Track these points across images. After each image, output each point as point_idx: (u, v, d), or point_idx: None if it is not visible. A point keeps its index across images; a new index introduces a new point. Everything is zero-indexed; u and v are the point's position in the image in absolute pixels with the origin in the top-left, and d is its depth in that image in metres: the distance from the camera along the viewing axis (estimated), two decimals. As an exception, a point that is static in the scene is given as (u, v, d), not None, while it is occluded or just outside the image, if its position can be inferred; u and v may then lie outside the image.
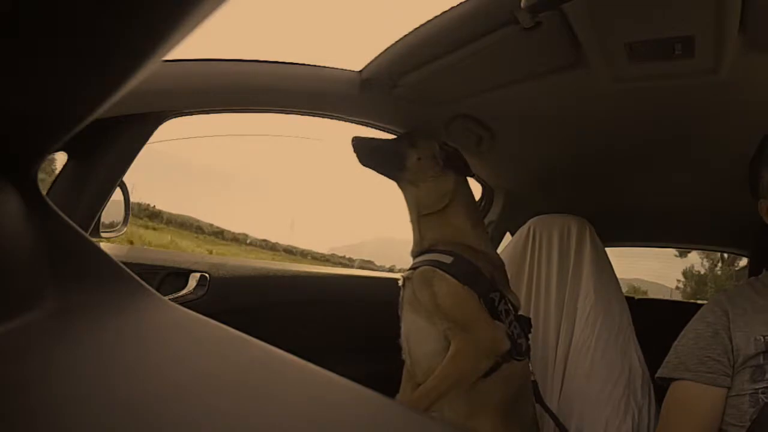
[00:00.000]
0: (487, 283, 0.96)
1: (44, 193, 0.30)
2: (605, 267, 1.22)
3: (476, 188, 1.52)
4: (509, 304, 0.99)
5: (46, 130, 0.26)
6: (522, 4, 0.76)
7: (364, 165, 1.05)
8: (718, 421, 0.86)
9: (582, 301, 1.17)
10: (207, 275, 1.09)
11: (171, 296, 1.04)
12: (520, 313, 1.03)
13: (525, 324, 1.01)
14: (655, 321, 1.29)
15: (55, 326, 0.25)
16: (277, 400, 0.23)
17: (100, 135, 0.86)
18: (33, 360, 0.23)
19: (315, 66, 1.05)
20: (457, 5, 0.86)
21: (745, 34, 0.80)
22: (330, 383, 0.25)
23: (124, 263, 0.32)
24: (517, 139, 1.30)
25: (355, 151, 1.04)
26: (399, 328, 1.03)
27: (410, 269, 1.02)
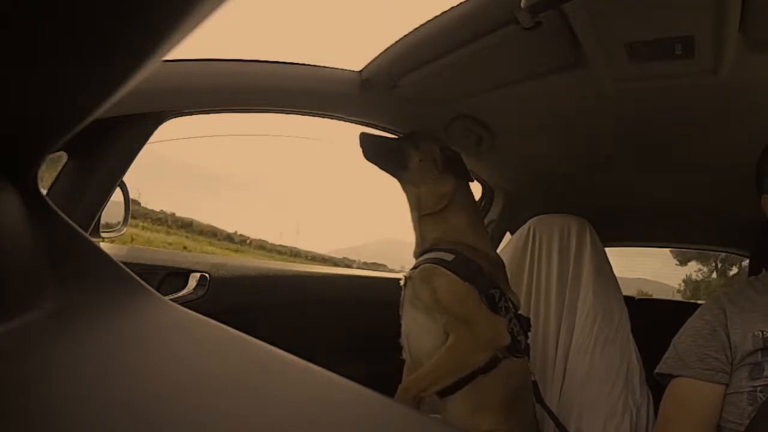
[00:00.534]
0: (487, 281, 0.98)
1: (44, 193, 0.30)
2: (605, 267, 1.22)
3: (476, 188, 1.52)
4: (509, 302, 1.00)
5: (46, 130, 0.26)
6: (522, 4, 0.76)
7: (368, 160, 1.07)
8: (716, 418, 0.86)
9: (582, 301, 1.17)
10: (207, 275, 1.09)
11: (171, 296, 1.04)
12: (519, 312, 1.04)
13: (524, 323, 1.02)
14: (654, 321, 1.29)
15: (55, 326, 0.25)
16: (277, 400, 0.23)
17: (100, 135, 0.86)
18: (33, 360, 0.23)
19: (315, 66, 1.05)
20: (457, 5, 0.86)
21: (745, 34, 0.80)
22: (330, 383, 0.25)
23: (124, 263, 0.32)
24: (517, 139, 1.30)
25: (361, 145, 1.07)
26: (399, 327, 1.03)
27: (412, 269, 1.03)
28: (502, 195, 1.57)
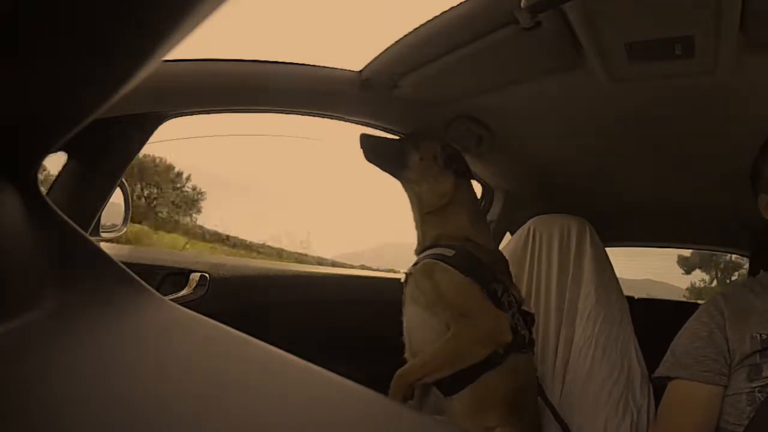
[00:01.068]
0: (488, 275, 0.98)
1: (44, 193, 0.30)
2: (605, 267, 1.22)
3: (476, 188, 1.52)
4: (512, 297, 1.00)
5: (46, 130, 0.26)
6: (522, 4, 0.76)
7: (368, 161, 1.08)
8: (715, 420, 0.86)
9: (582, 301, 1.17)
10: (207, 275, 1.09)
11: (171, 296, 1.04)
12: (523, 308, 1.04)
13: (529, 318, 1.02)
14: (655, 321, 1.29)
15: (55, 326, 0.25)
16: (277, 400, 0.23)
17: (100, 135, 0.86)
18: (33, 360, 0.23)
19: (315, 66, 1.05)
20: (457, 5, 0.86)
21: (745, 34, 0.80)
22: (330, 383, 0.25)
23: (124, 263, 0.32)
24: (517, 140, 1.30)
25: (361, 146, 1.08)
26: (400, 327, 1.03)
27: (413, 265, 1.03)
28: (502, 195, 1.57)
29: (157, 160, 9.10)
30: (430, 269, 0.98)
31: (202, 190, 9.56)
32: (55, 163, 0.88)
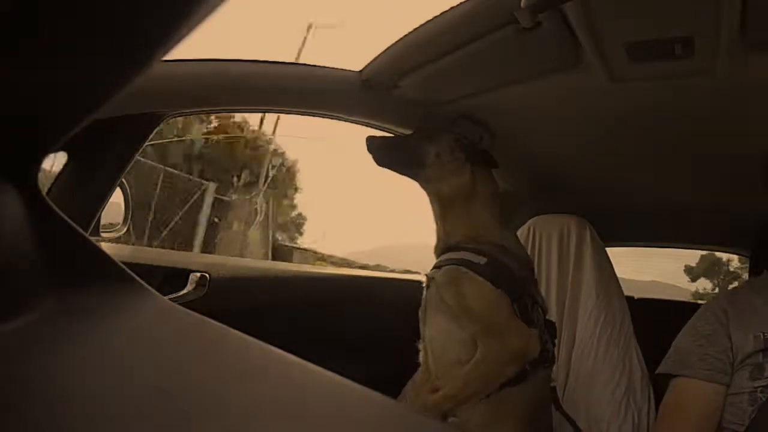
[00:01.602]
0: (520, 287, 0.92)
1: (44, 193, 0.29)
2: (606, 267, 1.22)
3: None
4: (540, 310, 0.95)
5: (46, 130, 0.26)
6: (522, 4, 0.76)
7: (380, 165, 1.01)
8: (717, 418, 0.87)
9: (583, 302, 1.17)
10: (207, 275, 1.09)
11: (171, 296, 1.04)
12: (548, 317, 0.99)
13: (552, 329, 0.98)
14: (655, 321, 1.29)
15: (55, 326, 0.25)
16: (277, 400, 0.23)
17: (100, 135, 0.86)
18: (33, 360, 0.23)
19: (315, 66, 1.05)
20: (457, 5, 0.86)
21: (745, 34, 0.80)
22: (330, 383, 0.25)
23: (124, 263, 0.32)
24: (517, 139, 1.30)
25: (370, 151, 1.01)
26: (401, 328, 1.02)
27: (434, 268, 0.97)
28: (502, 195, 1.57)
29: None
30: (455, 277, 0.92)
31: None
32: (55, 163, 0.88)
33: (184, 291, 1.07)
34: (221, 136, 7.67)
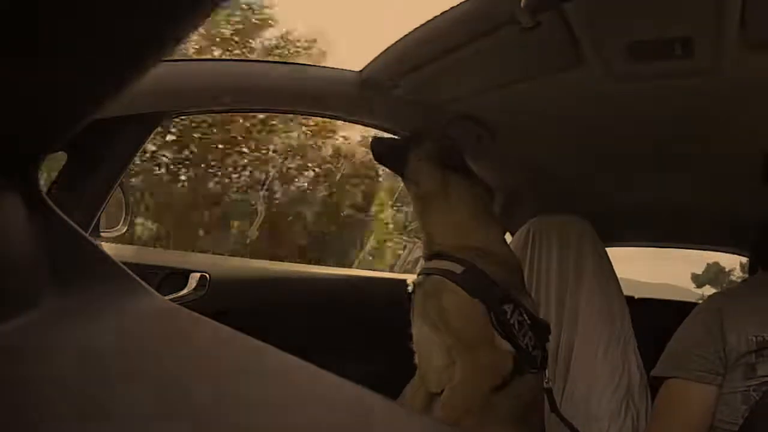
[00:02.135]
0: (499, 295, 0.94)
1: (44, 193, 0.29)
2: (606, 267, 1.22)
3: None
4: (524, 314, 0.95)
5: (46, 130, 0.26)
6: (522, 4, 0.76)
7: (377, 161, 1.13)
8: (710, 419, 0.87)
9: (583, 302, 1.17)
10: (207, 275, 1.09)
11: (171, 296, 1.04)
12: (539, 318, 1.00)
13: (542, 331, 0.98)
14: (654, 321, 1.29)
15: (55, 326, 0.25)
16: (277, 400, 0.23)
17: (100, 135, 0.86)
18: (33, 360, 0.23)
19: (315, 66, 1.05)
20: (457, 5, 0.86)
21: (745, 34, 0.80)
22: (330, 383, 0.25)
23: (124, 263, 0.32)
24: (517, 139, 1.30)
25: (371, 148, 1.10)
26: (401, 328, 1.02)
27: (421, 274, 1.00)
28: (502, 195, 1.57)
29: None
30: (437, 288, 0.95)
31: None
32: (55, 163, 0.88)
33: (184, 291, 1.07)
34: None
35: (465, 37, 0.90)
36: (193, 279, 1.08)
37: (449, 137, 1.17)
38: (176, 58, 0.90)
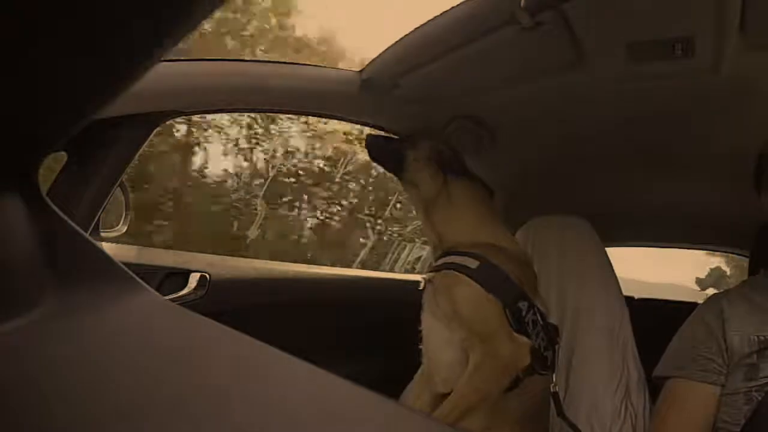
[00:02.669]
0: (515, 291, 0.91)
1: (44, 193, 0.29)
2: (606, 267, 1.22)
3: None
4: (537, 314, 0.93)
5: (46, 130, 0.26)
6: (522, 4, 0.77)
7: (372, 160, 1.10)
8: (712, 419, 0.87)
9: (583, 303, 1.17)
10: (207, 275, 1.09)
11: (171, 296, 1.04)
12: (548, 320, 0.98)
13: (552, 333, 0.96)
14: (654, 321, 1.29)
15: (55, 326, 0.25)
16: (277, 400, 0.23)
17: (100, 135, 0.86)
18: (33, 360, 0.23)
19: (315, 66, 1.05)
20: (457, 5, 0.86)
21: (745, 34, 0.80)
22: (330, 383, 0.25)
23: (124, 263, 0.32)
24: (517, 139, 1.30)
25: (366, 146, 1.09)
26: (401, 328, 1.02)
27: (432, 270, 0.99)
28: (502, 195, 1.57)
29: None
30: (450, 282, 0.92)
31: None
32: (55, 163, 0.88)
33: (184, 291, 1.07)
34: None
35: (465, 37, 0.90)
36: (193, 279, 1.08)
37: (447, 138, 1.17)
38: (176, 58, 0.90)
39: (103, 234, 0.99)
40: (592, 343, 1.13)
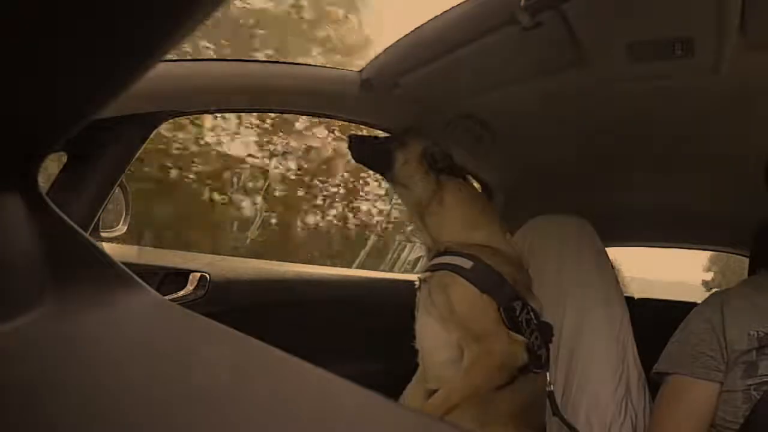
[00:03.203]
0: (509, 291, 0.93)
1: (44, 193, 0.29)
2: (605, 267, 1.22)
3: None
4: (531, 313, 0.95)
5: (46, 130, 0.26)
6: (522, 4, 0.77)
7: (356, 161, 1.07)
8: (710, 416, 0.87)
9: (583, 302, 1.17)
10: (207, 275, 1.09)
11: (171, 296, 1.04)
12: (542, 319, 0.99)
13: (546, 332, 0.98)
14: (654, 320, 1.29)
15: (55, 326, 0.25)
16: (277, 400, 0.23)
17: (100, 135, 0.86)
18: (33, 360, 0.23)
19: (315, 66, 1.05)
20: (457, 5, 0.86)
21: (745, 34, 0.80)
22: (330, 383, 0.25)
23: (124, 263, 0.32)
24: (517, 139, 1.30)
25: (348, 147, 1.06)
26: (401, 328, 1.02)
27: (427, 270, 0.99)
28: (502, 195, 1.57)
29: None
30: (445, 282, 0.93)
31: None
32: (55, 163, 0.88)
33: (184, 291, 1.07)
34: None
35: (465, 37, 0.90)
36: (193, 279, 1.08)
37: (446, 138, 1.16)
38: (176, 58, 0.90)
39: (103, 234, 0.99)
40: (592, 343, 1.13)
